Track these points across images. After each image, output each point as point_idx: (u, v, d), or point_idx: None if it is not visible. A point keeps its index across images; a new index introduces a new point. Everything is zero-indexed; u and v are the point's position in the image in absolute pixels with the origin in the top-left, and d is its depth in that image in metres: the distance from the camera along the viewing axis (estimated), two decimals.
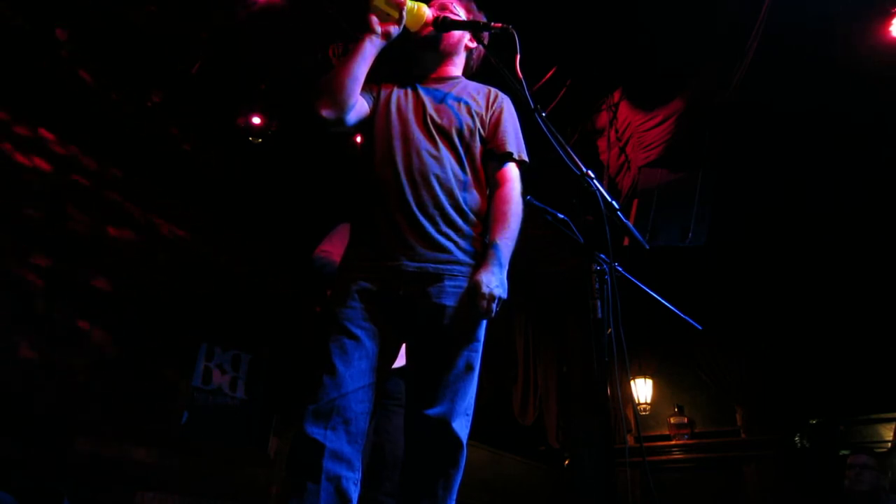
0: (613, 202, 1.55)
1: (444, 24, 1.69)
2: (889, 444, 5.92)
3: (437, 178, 1.57)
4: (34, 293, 3.24)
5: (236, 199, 4.43)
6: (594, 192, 1.52)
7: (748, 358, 6.35)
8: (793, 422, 6.23)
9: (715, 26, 3.73)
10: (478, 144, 1.67)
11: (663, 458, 6.65)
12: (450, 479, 1.46)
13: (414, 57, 1.80)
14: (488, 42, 1.79)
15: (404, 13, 1.60)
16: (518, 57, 1.54)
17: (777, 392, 6.20)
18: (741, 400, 6.37)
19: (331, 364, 1.42)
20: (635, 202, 4.35)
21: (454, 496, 1.47)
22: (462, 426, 1.47)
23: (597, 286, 1.62)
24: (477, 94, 1.75)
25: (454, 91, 1.73)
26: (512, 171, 1.67)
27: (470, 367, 1.51)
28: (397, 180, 1.55)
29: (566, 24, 3.73)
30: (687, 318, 1.98)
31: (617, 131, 4.43)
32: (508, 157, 1.67)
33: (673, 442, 6.65)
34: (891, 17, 3.40)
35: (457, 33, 1.78)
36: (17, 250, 3.21)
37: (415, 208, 1.53)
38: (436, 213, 1.54)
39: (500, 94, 1.78)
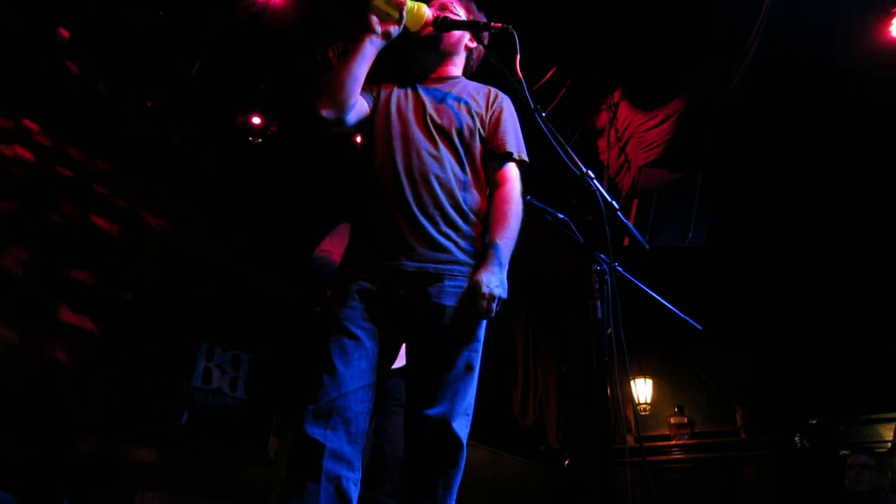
0: (613, 202, 1.55)
1: (444, 24, 1.69)
2: (889, 444, 5.91)
3: (437, 178, 1.57)
4: (34, 293, 3.24)
5: (236, 199, 4.43)
6: (594, 192, 1.52)
7: (748, 358, 6.35)
8: (793, 422, 6.23)
9: (715, 26, 3.73)
10: (478, 144, 1.67)
11: (663, 458, 6.64)
12: (450, 479, 1.46)
13: (414, 57, 1.80)
14: (488, 42, 1.79)
15: (404, 13, 1.60)
16: (518, 57, 1.54)
17: (777, 392, 6.19)
18: (741, 400, 6.37)
19: (331, 364, 1.42)
20: (635, 202, 4.35)
21: (454, 496, 1.47)
22: (462, 426, 1.47)
23: (597, 286, 1.62)
24: (477, 94, 1.75)
25: (454, 91, 1.73)
26: (512, 171, 1.67)
27: (470, 367, 1.51)
28: (397, 180, 1.55)
29: (566, 24, 3.73)
30: (687, 318, 1.99)
31: (617, 131, 4.43)
32: (508, 157, 1.67)
33: (673, 442, 6.64)
34: (891, 17, 3.40)
35: (457, 33, 1.78)
36: (16, 250, 3.21)
37: (415, 208, 1.53)
38: (436, 213, 1.54)
39: (500, 94, 1.78)
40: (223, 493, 3.82)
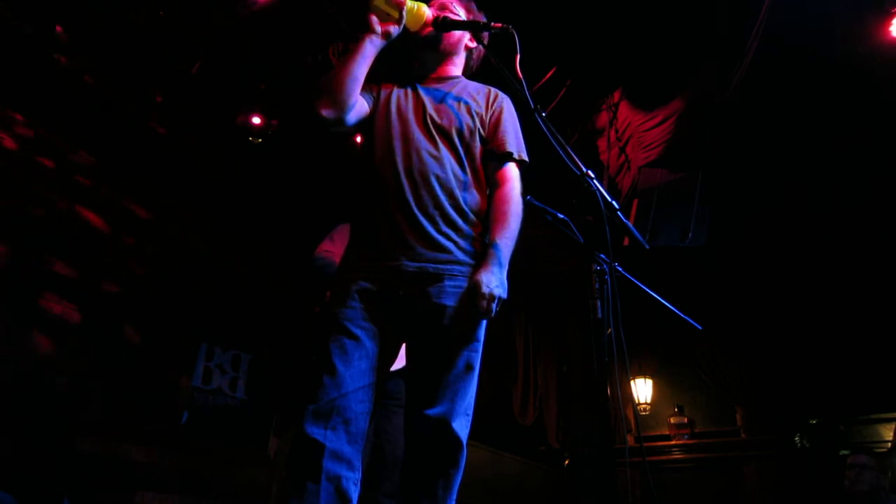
0: (613, 202, 1.55)
1: (444, 24, 1.69)
2: (889, 444, 5.91)
3: (437, 178, 1.57)
4: (34, 293, 3.24)
5: (236, 199, 4.43)
6: (594, 192, 1.52)
7: (748, 358, 6.35)
8: (793, 422, 6.23)
9: (715, 26, 3.73)
10: (478, 144, 1.67)
11: (663, 458, 6.64)
12: (450, 479, 1.46)
13: (414, 57, 1.80)
14: (488, 42, 1.79)
15: (404, 13, 1.60)
16: (518, 57, 1.54)
17: (777, 392, 6.19)
18: (741, 400, 6.37)
19: (331, 364, 1.42)
20: (635, 202, 4.35)
21: (454, 496, 1.47)
22: (462, 426, 1.47)
23: (597, 286, 1.61)
24: (477, 94, 1.74)
25: (454, 91, 1.73)
26: (512, 170, 1.67)
27: (470, 367, 1.51)
28: (397, 180, 1.55)
29: (566, 24, 3.73)
30: (687, 318, 1.98)
31: (617, 131, 4.43)
32: (508, 156, 1.67)
33: (673, 442, 6.64)
34: (891, 17, 3.40)
35: (457, 33, 1.77)
36: (17, 250, 3.21)
37: (415, 208, 1.53)
38: (436, 213, 1.54)
39: (500, 94, 1.78)
40: (223, 493, 3.82)
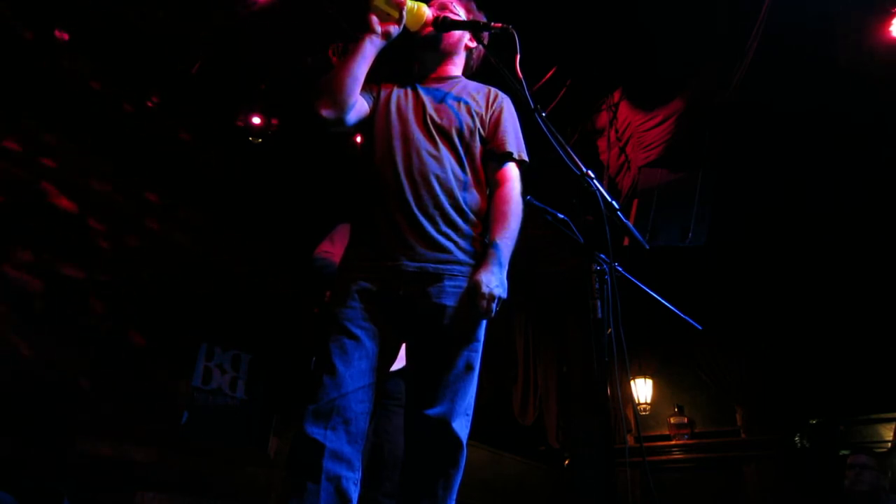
0: (613, 202, 1.55)
1: (444, 24, 1.69)
2: (889, 444, 5.91)
3: (437, 178, 1.57)
4: (34, 293, 3.24)
5: (236, 199, 4.43)
6: (594, 192, 1.52)
7: (748, 358, 6.35)
8: (793, 422, 6.23)
9: (715, 26, 3.73)
10: (478, 144, 1.67)
11: (663, 458, 6.64)
12: (450, 479, 1.46)
13: (414, 57, 1.80)
14: (488, 42, 1.79)
15: (404, 13, 1.60)
16: (518, 57, 1.54)
17: (777, 392, 6.19)
18: (741, 400, 6.37)
19: (331, 364, 1.42)
20: (635, 202, 4.35)
21: (454, 496, 1.47)
22: (462, 426, 1.48)
23: (597, 286, 1.61)
24: (477, 94, 1.74)
25: (454, 91, 1.73)
26: (512, 170, 1.67)
27: (470, 367, 1.51)
28: (397, 180, 1.55)
29: (566, 24, 3.73)
30: (687, 318, 1.98)
31: (617, 131, 4.44)
32: (508, 156, 1.67)
33: (673, 442, 6.64)
34: (891, 17, 3.40)
35: (457, 33, 1.77)
36: (16, 250, 3.21)
37: (415, 208, 1.53)
38: (436, 213, 1.54)
39: (500, 94, 1.78)
40: (223, 493, 3.82)
